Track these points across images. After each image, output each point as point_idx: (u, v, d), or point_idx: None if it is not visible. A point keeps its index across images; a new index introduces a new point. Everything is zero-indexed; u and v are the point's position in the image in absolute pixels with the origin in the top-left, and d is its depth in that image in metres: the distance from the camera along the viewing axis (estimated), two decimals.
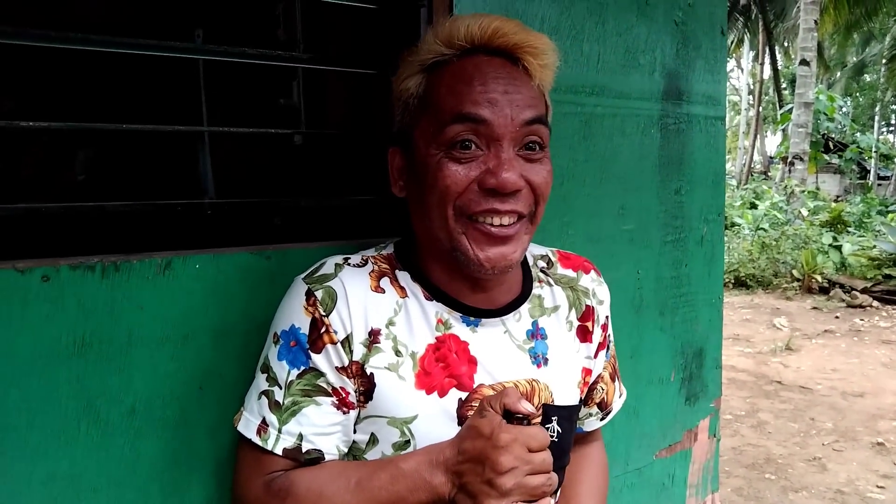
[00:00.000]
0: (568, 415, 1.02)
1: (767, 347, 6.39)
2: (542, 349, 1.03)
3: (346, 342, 0.91)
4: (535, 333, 1.03)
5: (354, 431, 0.94)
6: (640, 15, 1.51)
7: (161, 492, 1.05)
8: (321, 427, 0.91)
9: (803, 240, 9.38)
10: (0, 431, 0.93)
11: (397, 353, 0.93)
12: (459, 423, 0.93)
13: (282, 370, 0.91)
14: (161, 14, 1.51)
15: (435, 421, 0.93)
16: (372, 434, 0.93)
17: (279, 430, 0.90)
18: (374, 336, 0.92)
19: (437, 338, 0.95)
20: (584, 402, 1.13)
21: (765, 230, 10.68)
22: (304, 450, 0.91)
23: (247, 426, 0.92)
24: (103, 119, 1.09)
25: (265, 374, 0.93)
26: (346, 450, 0.95)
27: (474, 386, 0.95)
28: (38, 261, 0.95)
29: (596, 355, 1.11)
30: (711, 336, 1.74)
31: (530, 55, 0.92)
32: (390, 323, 0.94)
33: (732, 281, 9.22)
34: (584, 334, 1.09)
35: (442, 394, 0.94)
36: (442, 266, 0.97)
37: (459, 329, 0.97)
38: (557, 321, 1.06)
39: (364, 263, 0.98)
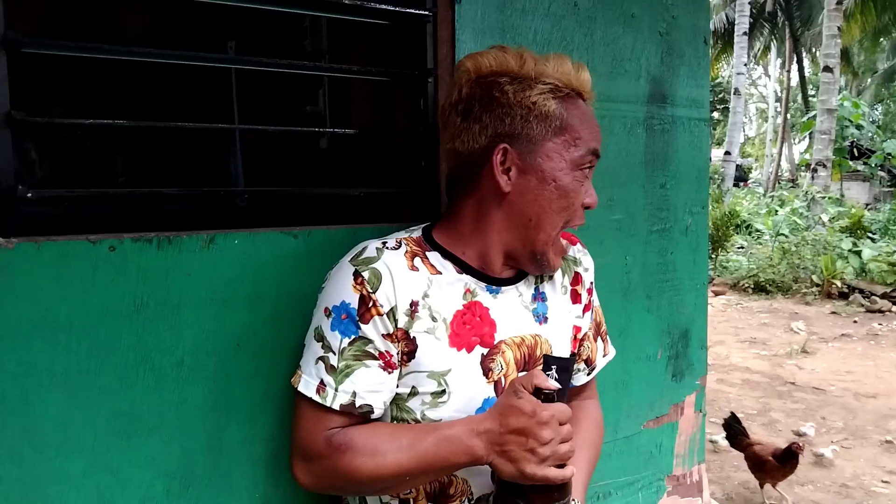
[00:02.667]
0: (565, 364, 1.22)
1: (783, 350, 6.47)
2: (543, 310, 1.23)
3: (391, 313, 1.09)
4: (538, 296, 1.23)
5: (397, 386, 1.12)
6: (626, 27, 1.68)
7: (204, 432, 1.24)
8: (371, 385, 1.09)
9: (823, 245, 9.41)
10: (75, 373, 1.13)
11: (433, 318, 1.12)
12: (483, 374, 1.13)
13: (335, 339, 1.09)
14: (198, 25, 1.71)
15: (464, 372, 1.12)
16: (413, 387, 1.11)
17: (336, 389, 1.08)
18: (414, 307, 1.10)
19: (464, 305, 1.15)
20: (575, 357, 1.31)
21: (785, 236, 10.71)
22: (357, 405, 1.08)
23: (307, 386, 1.09)
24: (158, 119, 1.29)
25: (320, 343, 1.10)
26: (389, 403, 1.13)
27: (494, 342, 1.15)
28: (106, 234, 1.15)
29: (583, 315, 1.30)
30: (697, 318, 1.90)
31: (590, 104, 1.19)
32: (425, 295, 1.12)
33: (752, 286, 9.27)
34: (574, 297, 1.29)
35: (469, 350, 1.13)
36: (497, 251, 1.16)
37: (483, 296, 1.16)
38: (553, 286, 1.26)
39: (399, 246, 1.15)
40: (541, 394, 1.03)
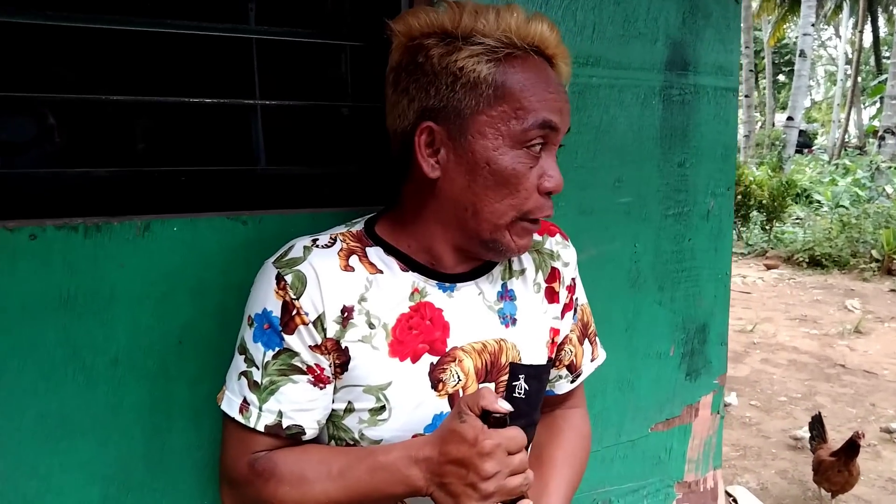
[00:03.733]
0: (536, 373, 1.07)
1: (835, 330, 6.13)
2: (511, 310, 1.06)
3: (319, 321, 0.94)
4: (505, 295, 1.07)
5: (333, 402, 0.99)
6: None
7: (143, 435, 1.14)
8: (299, 403, 0.96)
9: (886, 218, 8.86)
10: None
11: (370, 325, 0.97)
12: (433, 387, 0.98)
13: (257, 352, 0.95)
14: None
15: (408, 385, 0.97)
16: (349, 402, 0.98)
17: (260, 409, 0.94)
18: (347, 313, 0.95)
19: (410, 307, 0.99)
20: (553, 363, 1.15)
21: (845, 208, 10.14)
22: (284, 426, 0.95)
23: (230, 405, 0.96)
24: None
25: (243, 356, 0.97)
26: (324, 423, 1.00)
27: (447, 349, 0.99)
28: (26, 221, 1.04)
29: (562, 316, 1.13)
30: (717, 312, 1.72)
31: (564, 65, 0.99)
32: (362, 299, 0.97)
33: (806, 260, 8.83)
34: (551, 295, 1.12)
35: (415, 359, 0.98)
36: (443, 241, 1.00)
37: (435, 296, 1.01)
38: (524, 283, 1.09)
39: (332, 243, 1.00)
40: (489, 417, 0.87)
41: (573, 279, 1.16)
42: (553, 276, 1.13)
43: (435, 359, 0.99)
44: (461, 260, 1.02)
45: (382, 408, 0.97)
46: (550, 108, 0.93)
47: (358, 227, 1.05)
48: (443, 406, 0.99)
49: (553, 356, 1.13)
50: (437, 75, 0.92)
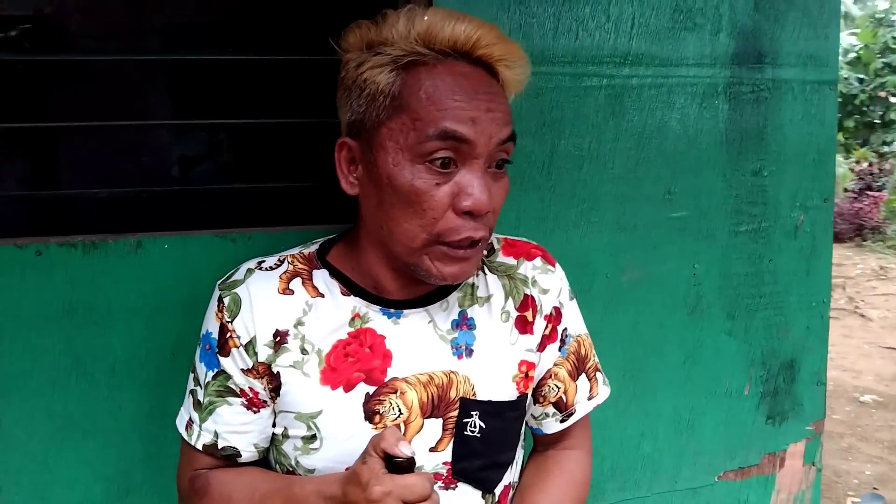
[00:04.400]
0: (495, 410, 0.97)
1: None
2: (468, 340, 0.98)
3: (250, 345, 0.94)
4: (462, 323, 0.99)
5: (274, 425, 0.98)
6: None
7: (140, 441, 1.21)
8: (233, 426, 0.97)
9: None
10: (9, 374, 1.16)
11: (303, 351, 0.94)
12: (367, 418, 0.93)
13: (201, 371, 0.98)
14: None
15: (340, 415, 0.94)
16: (284, 428, 0.97)
17: (200, 427, 0.97)
18: (280, 337, 0.94)
19: (349, 333, 0.95)
20: (535, 399, 1.05)
21: None
22: (219, 446, 0.97)
23: (180, 421, 1.01)
24: None
25: (192, 375, 1.01)
26: (265, 446, 1.00)
27: (386, 379, 0.94)
28: (33, 238, 1.15)
29: (542, 348, 1.02)
30: (811, 346, 1.44)
31: (508, 68, 0.90)
32: (299, 323, 0.95)
33: None
34: (523, 325, 1.01)
35: (347, 388, 0.94)
36: (380, 264, 0.95)
37: (378, 322, 0.96)
38: (489, 311, 1.00)
39: (279, 265, 0.99)
40: (391, 460, 0.81)
41: (555, 308, 1.04)
42: (525, 304, 1.02)
43: (371, 389, 0.94)
44: (406, 284, 0.96)
45: (314, 436, 0.94)
46: (455, 118, 0.83)
47: (313, 248, 1.02)
48: None
49: (526, 392, 1.01)
50: (350, 89, 0.90)
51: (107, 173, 1.25)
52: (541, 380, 1.04)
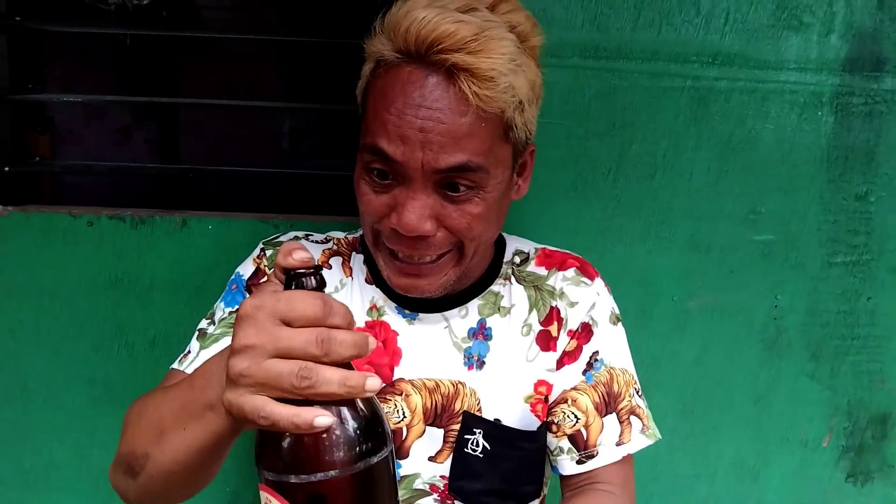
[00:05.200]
0: (502, 434, 0.89)
1: None
2: (481, 350, 0.91)
3: None
4: (478, 332, 0.92)
5: None
6: None
7: None
8: None
9: None
10: (58, 336, 1.20)
11: None
12: None
13: (219, 310, 0.93)
14: None
15: None
16: None
17: (197, 354, 0.88)
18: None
19: (366, 322, 0.92)
20: (548, 427, 0.92)
21: None
22: None
23: (176, 360, 0.91)
24: None
25: (207, 320, 0.94)
26: None
27: (393, 378, 0.90)
28: (86, 209, 1.18)
29: (560, 366, 0.91)
30: None
31: (471, 81, 0.74)
32: None
33: None
34: (546, 341, 0.92)
35: None
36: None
37: (393, 318, 0.92)
38: (510, 322, 0.92)
39: (325, 241, 0.99)
40: (293, 279, 0.55)
41: (584, 324, 0.92)
42: (550, 317, 0.93)
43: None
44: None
45: None
46: (386, 135, 0.75)
47: (358, 233, 1.01)
48: None
49: (545, 419, 0.91)
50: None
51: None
52: (553, 403, 0.92)
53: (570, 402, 0.91)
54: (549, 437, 0.93)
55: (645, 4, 1.12)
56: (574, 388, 0.91)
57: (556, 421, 0.91)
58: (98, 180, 3.77)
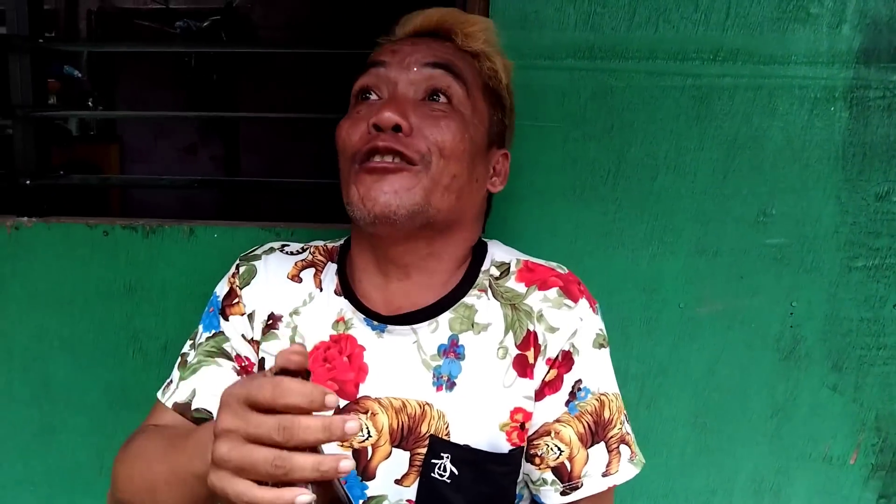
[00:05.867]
0: (472, 458, 0.84)
1: None
2: (452, 370, 0.86)
3: (251, 318, 0.93)
4: (450, 350, 0.87)
5: None
6: None
7: None
8: (216, 387, 0.89)
9: None
10: (78, 342, 1.26)
11: (292, 342, 0.90)
12: None
13: (199, 333, 0.96)
14: None
15: None
16: None
17: (177, 386, 0.91)
18: (273, 321, 0.92)
19: (331, 336, 0.90)
20: (528, 459, 0.88)
21: None
22: (193, 406, 0.89)
23: (161, 389, 0.94)
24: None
25: (190, 342, 0.97)
26: None
27: (358, 396, 0.87)
28: (101, 219, 1.24)
29: (540, 396, 0.86)
30: None
31: (457, 26, 0.91)
32: (295, 312, 0.92)
33: None
34: (523, 367, 0.86)
35: None
36: (361, 251, 0.90)
37: (361, 331, 0.89)
38: (485, 342, 0.87)
39: (301, 252, 0.98)
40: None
41: (564, 353, 0.86)
42: (528, 341, 0.87)
43: (342, 403, 0.87)
44: (390, 292, 0.88)
45: None
46: (379, 53, 0.89)
47: (338, 242, 0.99)
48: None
49: (521, 445, 0.86)
50: None
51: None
52: (533, 435, 0.87)
53: (552, 434, 0.86)
54: (532, 468, 0.88)
55: (640, 2, 1.09)
56: (557, 420, 0.86)
57: (538, 454, 0.87)
58: (163, 194, 3.97)
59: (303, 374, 0.58)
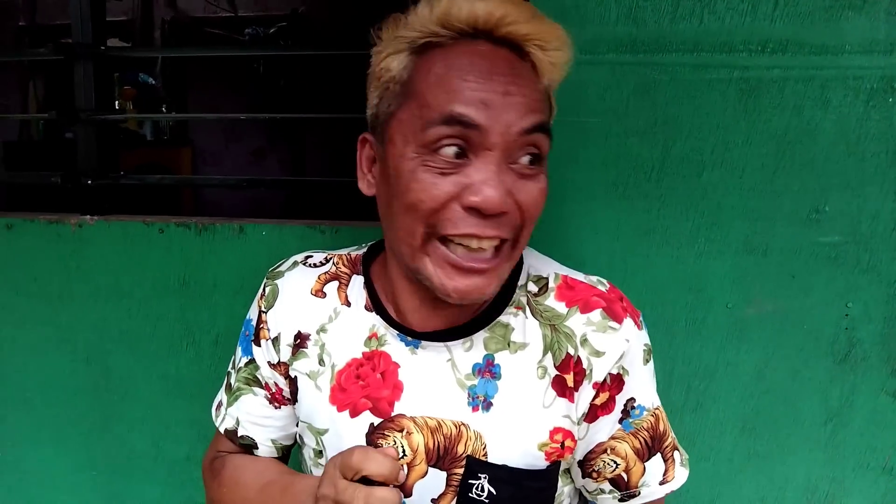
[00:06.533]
0: (510, 477, 0.83)
1: None
2: (488, 391, 0.84)
3: (276, 341, 0.93)
4: (485, 370, 0.85)
5: (298, 425, 0.96)
6: None
7: None
8: (254, 417, 0.96)
9: None
10: (136, 335, 1.32)
11: (321, 361, 0.90)
12: None
13: (238, 356, 0.99)
14: None
15: (343, 441, 0.87)
16: (300, 436, 0.95)
17: (225, 411, 0.98)
18: (301, 340, 0.92)
19: (364, 353, 0.88)
20: (584, 472, 0.88)
21: None
22: (239, 434, 0.97)
23: (214, 403, 1.02)
24: None
25: (233, 360, 1.00)
26: (286, 443, 0.98)
27: (392, 414, 0.86)
28: (158, 217, 1.29)
29: (592, 419, 0.85)
30: None
31: (541, 49, 0.77)
32: (322, 329, 0.91)
33: None
34: (562, 388, 0.84)
35: (354, 414, 0.87)
36: (400, 277, 0.85)
37: (395, 347, 0.87)
38: (522, 362, 0.85)
39: (324, 263, 0.96)
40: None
41: (614, 375, 0.84)
42: (567, 364, 0.84)
43: (377, 420, 0.86)
44: (427, 311, 0.85)
45: (321, 452, 0.91)
46: (464, 100, 0.71)
47: (361, 250, 0.96)
48: None
49: (559, 461, 0.85)
50: (370, 81, 0.83)
51: None
52: (590, 453, 0.87)
53: (608, 451, 0.86)
54: (589, 481, 0.89)
55: None
56: (612, 438, 0.86)
57: (596, 469, 0.87)
58: (234, 196, 4.09)
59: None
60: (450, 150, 0.72)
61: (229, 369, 1.00)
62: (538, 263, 0.91)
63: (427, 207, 0.73)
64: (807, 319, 1.11)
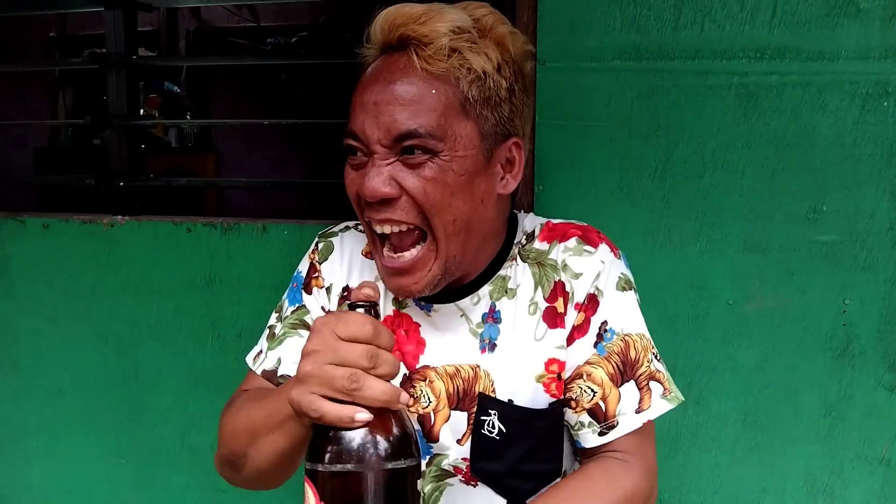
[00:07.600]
0: (516, 414, 0.91)
1: None
2: (492, 333, 0.94)
3: (329, 290, 1.01)
4: (489, 316, 0.95)
5: None
6: None
7: None
8: (297, 356, 0.91)
9: None
10: (164, 328, 1.39)
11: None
12: None
13: (285, 308, 1.03)
14: None
15: None
16: None
17: (266, 354, 0.99)
18: (347, 293, 1.00)
19: (394, 311, 0.98)
20: (566, 404, 0.93)
21: None
22: (279, 373, 0.97)
23: (250, 356, 1.04)
24: None
25: (276, 314, 1.04)
26: None
27: (418, 366, 0.95)
28: (186, 217, 1.36)
29: (571, 341, 0.91)
30: None
31: (417, 47, 0.83)
32: None
33: None
34: (553, 318, 0.92)
35: None
36: None
37: (413, 311, 0.97)
38: (516, 303, 0.94)
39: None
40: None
41: (590, 296, 0.91)
42: (556, 292, 0.92)
43: (407, 372, 0.95)
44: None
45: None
46: (354, 115, 0.86)
47: None
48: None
49: (561, 398, 0.91)
50: None
51: None
52: (568, 379, 0.92)
53: (584, 376, 0.91)
54: (569, 412, 0.93)
55: (685, 3, 1.12)
56: (587, 363, 0.91)
57: (573, 397, 0.92)
58: (257, 199, 4.18)
59: (375, 307, 0.72)
60: (351, 154, 0.88)
61: (272, 322, 1.03)
62: (529, 221, 1.00)
63: (352, 198, 0.89)
64: (805, 316, 1.15)
